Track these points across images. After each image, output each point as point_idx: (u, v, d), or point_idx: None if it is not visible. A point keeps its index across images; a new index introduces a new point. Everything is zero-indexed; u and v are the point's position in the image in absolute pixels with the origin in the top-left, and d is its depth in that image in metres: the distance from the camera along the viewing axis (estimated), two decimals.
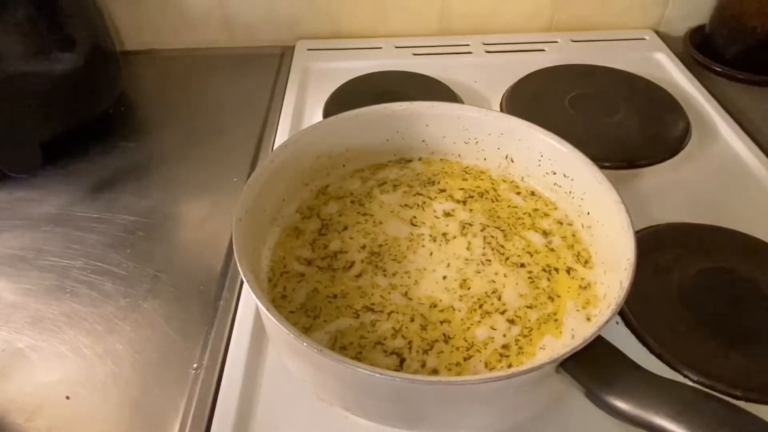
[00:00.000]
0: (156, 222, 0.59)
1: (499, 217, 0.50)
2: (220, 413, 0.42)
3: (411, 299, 0.44)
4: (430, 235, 0.49)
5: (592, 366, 0.34)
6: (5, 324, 0.49)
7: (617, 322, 0.47)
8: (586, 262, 0.46)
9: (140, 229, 0.58)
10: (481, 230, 0.49)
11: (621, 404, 0.32)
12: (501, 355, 0.40)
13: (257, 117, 0.73)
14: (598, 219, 0.46)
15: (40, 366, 0.47)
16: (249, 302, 0.49)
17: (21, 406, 0.44)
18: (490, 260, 0.47)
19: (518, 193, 0.53)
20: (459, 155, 0.56)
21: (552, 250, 0.48)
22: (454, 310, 0.43)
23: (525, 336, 0.41)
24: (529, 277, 0.45)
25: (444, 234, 0.49)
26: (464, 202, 0.52)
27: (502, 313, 0.43)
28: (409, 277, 0.45)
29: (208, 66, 0.85)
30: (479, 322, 0.42)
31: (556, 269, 0.46)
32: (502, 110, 0.71)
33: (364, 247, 0.48)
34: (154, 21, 0.85)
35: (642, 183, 0.60)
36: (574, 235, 0.49)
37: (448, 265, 0.46)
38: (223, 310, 0.50)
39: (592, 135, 0.65)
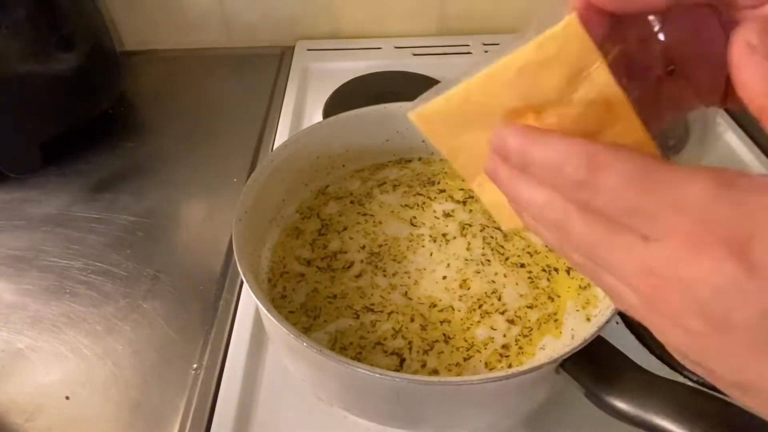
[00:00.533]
0: (156, 222, 0.59)
1: None
2: (220, 413, 0.42)
3: (411, 299, 0.44)
4: (430, 236, 0.49)
5: (592, 366, 0.34)
6: (5, 324, 0.49)
7: (617, 322, 0.47)
8: None
9: (140, 229, 0.58)
10: (481, 230, 0.49)
11: (621, 404, 0.32)
12: (501, 355, 0.40)
13: (257, 117, 0.73)
14: None
15: (39, 366, 0.47)
16: (249, 302, 0.49)
17: (21, 406, 0.44)
18: (489, 260, 0.47)
19: None
20: None
21: (552, 250, 0.48)
22: (453, 310, 0.43)
23: (525, 336, 0.41)
24: (529, 277, 0.45)
25: (444, 234, 0.49)
26: (464, 203, 0.52)
27: (502, 313, 0.43)
28: (408, 278, 0.45)
29: (207, 66, 0.85)
30: (479, 322, 0.42)
31: (556, 269, 0.46)
32: None
33: (363, 247, 0.48)
34: (154, 21, 0.85)
35: None
36: None
37: (448, 265, 0.46)
38: (223, 311, 0.50)
39: None
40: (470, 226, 0.50)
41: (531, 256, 0.47)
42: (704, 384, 0.42)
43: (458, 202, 0.52)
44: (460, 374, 0.39)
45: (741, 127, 0.67)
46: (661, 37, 0.23)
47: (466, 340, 0.41)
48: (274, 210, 0.50)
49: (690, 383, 0.41)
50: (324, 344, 0.40)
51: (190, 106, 0.77)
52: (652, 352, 0.44)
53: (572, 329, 0.42)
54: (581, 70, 0.21)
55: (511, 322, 0.42)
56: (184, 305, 0.51)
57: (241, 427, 0.41)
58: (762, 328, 0.15)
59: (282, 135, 0.67)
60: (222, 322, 0.49)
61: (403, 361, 0.40)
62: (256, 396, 0.43)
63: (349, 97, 0.71)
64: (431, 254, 0.47)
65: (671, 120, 0.26)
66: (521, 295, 0.44)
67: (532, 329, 0.42)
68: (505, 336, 0.41)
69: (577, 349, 0.33)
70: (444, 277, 0.45)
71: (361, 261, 0.47)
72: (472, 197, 0.52)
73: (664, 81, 0.24)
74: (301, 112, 0.72)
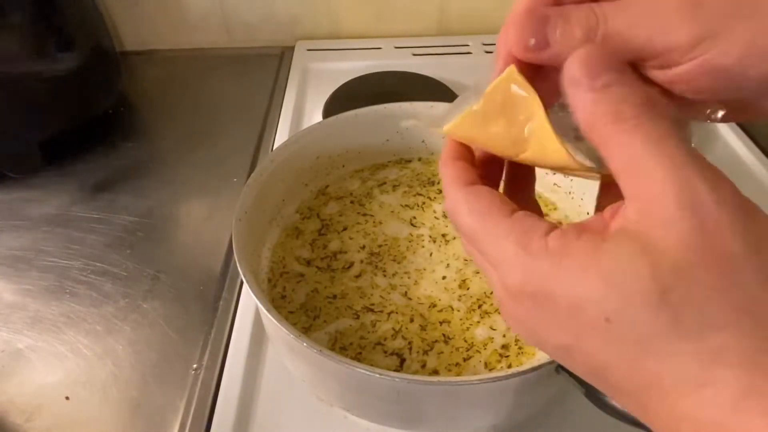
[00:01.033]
0: (156, 222, 0.59)
1: None
2: (220, 413, 0.42)
3: (410, 299, 0.44)
4: (430, 236, 0.49)
5: None
6: (5, 324, 0.50)
7: None
8: None
9: (140, 229, 0.58)
10: None
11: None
12: (501, 355, 0.40)
13: (257, 117, 0.73)
14: None
15: (39, 366, 0.47)
16: (249, 302, 0.49)
17: (21, 407, 0.44)
18: None
19: None
20: None
21: None
22: (453, 310, 0.43)
23: None
24: None
25: (443, 235, 0.49)
26: None
27: None
28: (408, 278, 0.45)
29: (207, 66, 0.85)
30: (479, 322, 0.42)
31: None
32: None
33: (363, 247, 0.48)
34: (154, 21, 0.85)
35: None
36: None
37: (448, 265, 0.46)
38: (223, 311, 0.50)
39: None
40: None
41: None
42: None
43: None
44: (459, 374, 0.39)
45: (741, 127, 0.67)
46: None
47: (465, 341, 0.41)
48: (274, 210, 0.50)
49: None
50: (324, 344, 0.40)
51: (189, 106, 0.77)
52: None
53: None
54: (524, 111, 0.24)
55: None
56: (184, 305, 0.51)
57: (241, 427, 0.41)
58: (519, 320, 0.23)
59: (282, 135, 0.67)
60: (222, 322, 0.49)
61: (403, 361, 0.40)
62: (256, 396, 0.43)
63: (349, 97, 0.71)
64: (431, 254, 0.47)
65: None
66: None
67: None
68: (504, 336, 0.41)
69: None
70: (443, 278, 0.45)
71: (361, 261, 0.47)
72: None
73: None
74: (301, 112, 0.72)
